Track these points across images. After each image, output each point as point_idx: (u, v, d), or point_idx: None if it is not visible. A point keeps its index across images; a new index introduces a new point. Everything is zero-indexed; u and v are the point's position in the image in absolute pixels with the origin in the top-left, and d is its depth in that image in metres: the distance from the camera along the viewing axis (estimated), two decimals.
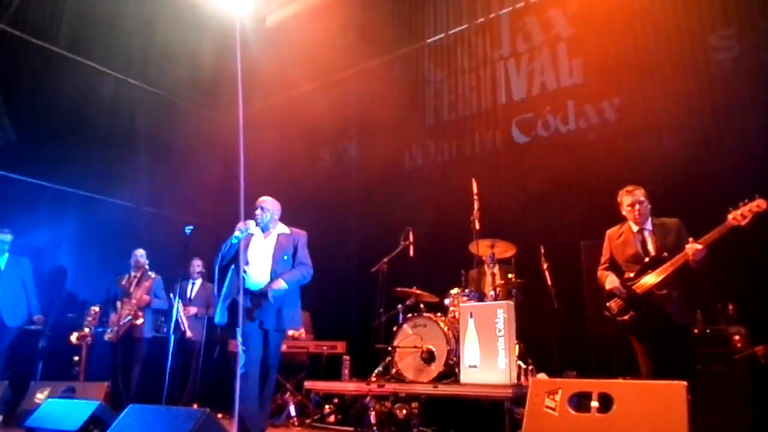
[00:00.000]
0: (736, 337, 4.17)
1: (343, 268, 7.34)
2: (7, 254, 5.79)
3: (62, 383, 5.02)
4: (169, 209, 8.06)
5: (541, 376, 4.50)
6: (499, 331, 4.48)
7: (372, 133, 7.67)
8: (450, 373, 4.83)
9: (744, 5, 5.34)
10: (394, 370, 5.06)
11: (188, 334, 6.03)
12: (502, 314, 4.51)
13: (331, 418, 5.04)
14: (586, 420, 2.91)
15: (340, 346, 5.81)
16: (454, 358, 4.83)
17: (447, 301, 5.42)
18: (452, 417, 4.45)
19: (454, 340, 4.88)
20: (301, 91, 8.39)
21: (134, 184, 7.83)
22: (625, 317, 3.70)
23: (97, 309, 5.70)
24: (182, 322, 5.96)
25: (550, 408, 3.02)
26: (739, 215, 3.37)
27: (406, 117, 7.34)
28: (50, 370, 6.03)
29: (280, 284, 3.96)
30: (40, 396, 4.92)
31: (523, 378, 4.59)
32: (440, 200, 6.69)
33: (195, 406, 5.44)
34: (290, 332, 5.80)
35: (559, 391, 3.04)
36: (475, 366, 4.54)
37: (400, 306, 5.61)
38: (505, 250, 5.55)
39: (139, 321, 5.55)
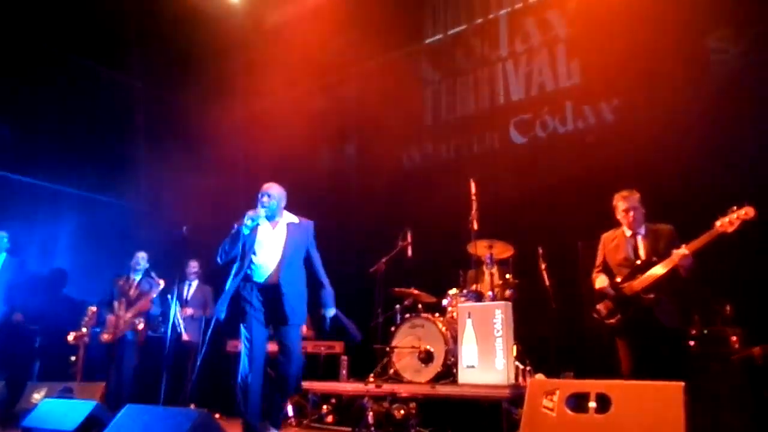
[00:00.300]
0: (733, 338, 4.16)
1: (342, 268, 7.30)
2: (4, 254, 5.78)
3: (59, 383, 5.01)
4: (167, 209, 8.03)
5: (539, 376, 4.51)
6: (497, 331, 4.48)
7: (370, 134, 7.66)
8: (448, 373, 4.83)
9: (742, 7, 5.35)
10: (392, 371, 5.07)
11: (184, 336, 6.00)
12: (500, 315, 4.52)
13: (329, 419, 5.02)
14: (583, 420, 2.91)
15: (338, 346, 5.82)
16: (452, 359, 4.83)
17: (445, 302, 5.42)
18: (450, 417, 4.44)
19: (452, 341, 4.88)
20: (300, 91, 8.38)
21: (133, 184, 7.81)
22: (613, 320, 3.72)
23: (94, 309, 5.68)
24: (179, 323, 5.94)
25: (548, 408, 3.02)
26: (726, 222, 3.37)
27: (404, 117, 7.34)
28: (47, 370, 6.02)
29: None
30: (36, 396, 4.91)
31: (520, 378, 4.59)
32: (438, 200, 6.67)
33: (192, 406, 5.43)
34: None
35: (557, 392, 3.05)
36: (473, 366, 4.54)
37: (398, 306, 5.61)
38: (503, 250, 5.54)
39: (141, 326, 5.54)
